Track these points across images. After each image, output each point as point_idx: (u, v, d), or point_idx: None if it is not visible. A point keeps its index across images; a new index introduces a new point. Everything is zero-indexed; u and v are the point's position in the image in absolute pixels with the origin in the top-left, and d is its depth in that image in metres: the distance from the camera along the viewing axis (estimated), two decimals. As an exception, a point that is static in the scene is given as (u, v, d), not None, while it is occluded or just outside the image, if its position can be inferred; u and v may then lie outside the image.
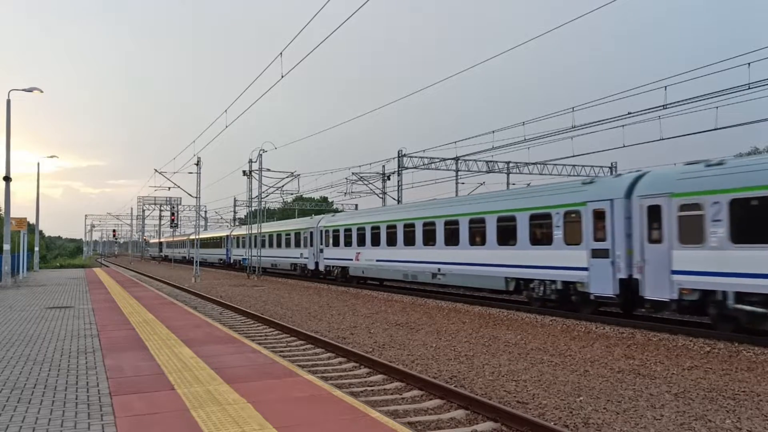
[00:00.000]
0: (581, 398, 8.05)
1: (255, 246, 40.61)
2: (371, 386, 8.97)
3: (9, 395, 6.71)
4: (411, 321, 16.09)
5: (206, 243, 59.34)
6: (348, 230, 28.59)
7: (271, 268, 41.07)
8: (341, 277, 29.80)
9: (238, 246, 48.26)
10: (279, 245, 38.35)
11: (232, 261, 50.00)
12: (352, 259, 27.93)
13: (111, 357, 8.89)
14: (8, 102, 26.68)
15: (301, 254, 34.49)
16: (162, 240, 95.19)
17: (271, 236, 39.91)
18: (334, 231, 30.33)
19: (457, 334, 13.65)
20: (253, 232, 41.28)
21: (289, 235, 36.69)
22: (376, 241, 25.62)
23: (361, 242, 26.95)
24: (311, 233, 33.09)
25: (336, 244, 29.92)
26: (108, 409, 6.07)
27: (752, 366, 10.11)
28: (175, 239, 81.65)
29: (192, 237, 66.57)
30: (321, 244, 31.77)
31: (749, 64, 19.48)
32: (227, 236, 52.56)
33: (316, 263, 32.41)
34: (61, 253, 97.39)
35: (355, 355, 10.86)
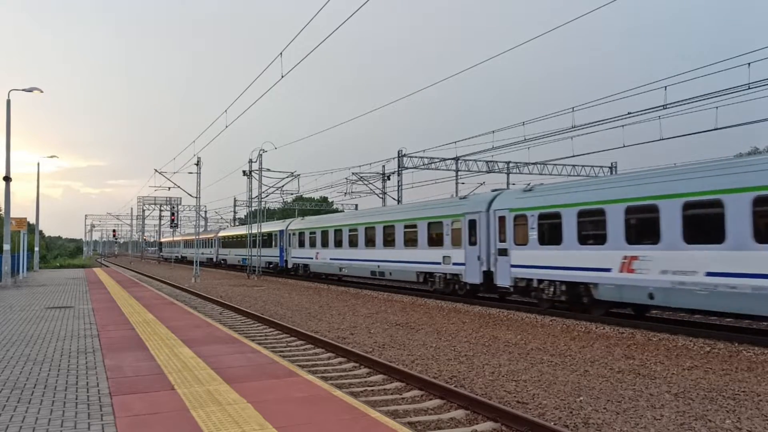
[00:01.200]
0: (581, 398, 8.05)
1: (308, 244, 32.57)
2: (371, 386, 8.97)
3: (9, 395, 6.71)
4: (411, 321, 16.09)
5: (244, 241, 45.51)
6: (604, 211, 14.66)
7: (363, 278, 29.83)
8: (573, 300, 15.89)
9: (302, 245, 34.39)
10: (389, 242, 24.62)
11: (291, 266, 36.47)
12: (607, 270, 14.48)
13: (111, 357, 8.89)
14: (8, 102, 26.71)
15: (446, 257, 20.76)
16: (177, 238, 77.92)
17: (368, 229, 26.43)
18: (548, 213, 16.32)
19: (457, 334, 13.65)
20: (342, 223, 29.67)
21: (412, 226, 22.88)
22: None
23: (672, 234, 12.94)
24: (472, 221, 19.37)
25: (552, 239, 16.12)
26: (108, 409, 6.07)
27: (752, 366, 10.11)
28: (197, 237, 69.63)
29: (222, 234, 54.94)
30: (500, 239, 18.13)
31: (749, 64, 19.51)
32: (281, 231, 38.24)
33: (487, 273, 18.84)
34: (61, 253, 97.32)
35: (355, 355, 10.86)
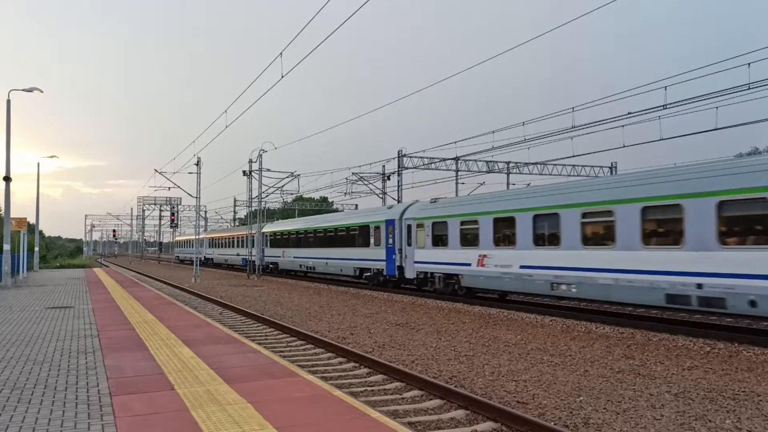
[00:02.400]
0: (581, 398, 8.05)
1: (458, 240, 19.64)
2: (371, 386, 8.97)
3: (9, 395, 6.71)
4: (411, 321, 16.09)
5: (314, 238, 33.18)
6: None
7: (621, 306, 17.37)
8: None
9: (439, 242, 21.41)
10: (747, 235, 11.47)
11: (413, 275, 23.19)
12: None
13: (111, 357, 8.89)
14: (8, 102, 26.70)
15: None
16: (208, 236, 63.31)
17: (651, 210, 13.30)
18: None
19: (457, 334, 13.65)
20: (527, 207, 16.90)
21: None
22: None
23: None
24: None
25: None
26: (108, 409, 6.07)
27: (752, 366, 10.11)
28: (232, 234, 53.23)
29: (270, 229, 41.13)
30: None
31: (749, 64, 19.51)
32: (388, 222, 25.07)
33: None
34: (61, 253, 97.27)
35: (355, 355, 10.86)
